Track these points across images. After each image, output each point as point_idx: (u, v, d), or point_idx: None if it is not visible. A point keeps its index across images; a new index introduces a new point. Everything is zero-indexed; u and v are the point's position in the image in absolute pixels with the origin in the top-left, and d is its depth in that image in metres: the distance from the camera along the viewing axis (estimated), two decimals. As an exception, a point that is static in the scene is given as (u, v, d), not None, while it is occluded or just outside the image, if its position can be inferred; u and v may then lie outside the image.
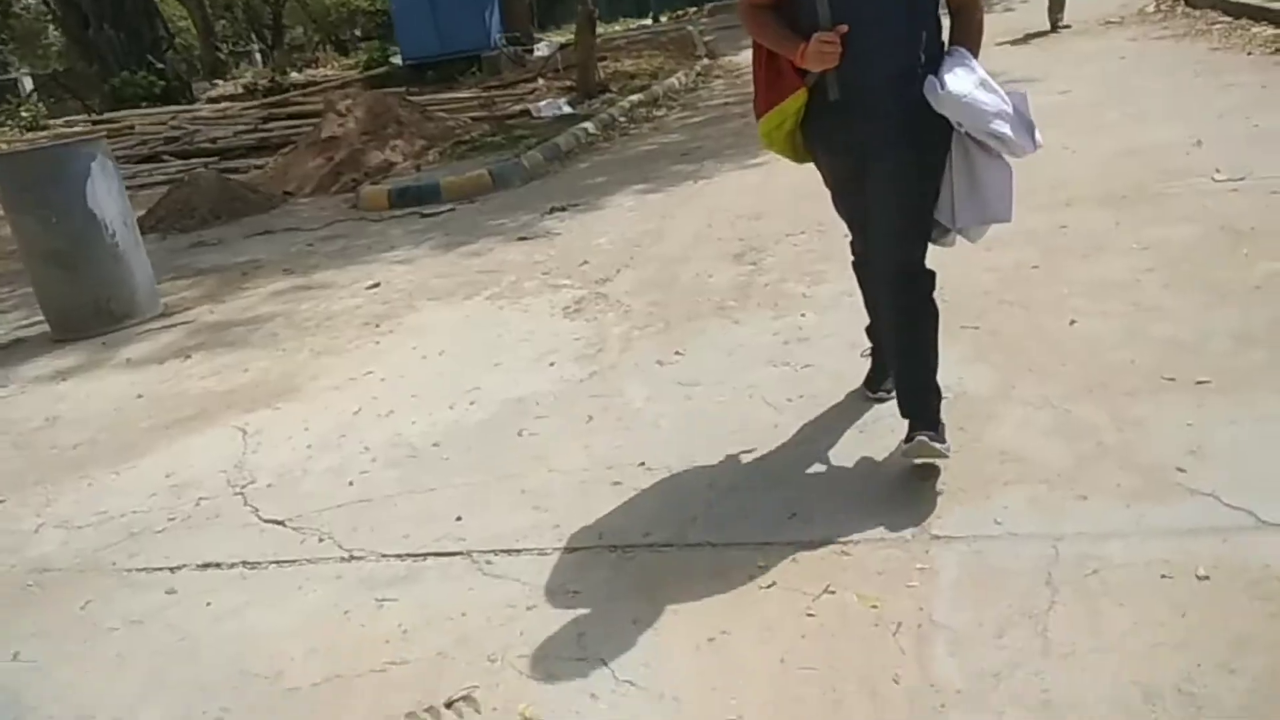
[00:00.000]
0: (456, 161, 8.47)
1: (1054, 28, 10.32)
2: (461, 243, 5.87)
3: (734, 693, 1.83)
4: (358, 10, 30.14)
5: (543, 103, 10.86)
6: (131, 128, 13.88)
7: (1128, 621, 1.84)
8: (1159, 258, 3.65)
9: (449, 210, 7.00)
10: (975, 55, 2.34)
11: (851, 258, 2.79)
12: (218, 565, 2.62)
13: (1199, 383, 2.68)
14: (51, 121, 17.85)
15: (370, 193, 7.71)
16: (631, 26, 22.84)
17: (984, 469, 2.43)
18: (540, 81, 13.18)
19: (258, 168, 10.39)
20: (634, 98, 10.67)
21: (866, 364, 2.96)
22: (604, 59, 13.05)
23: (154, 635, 2.36)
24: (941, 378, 2.49)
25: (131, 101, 15.71)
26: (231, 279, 5.97)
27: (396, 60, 16.93)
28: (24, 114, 18.05)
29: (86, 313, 5.12)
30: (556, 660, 2.00)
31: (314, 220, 7.52)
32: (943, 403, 2.47)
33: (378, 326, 4.50)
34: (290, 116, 12.80)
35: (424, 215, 6.93)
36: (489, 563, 2.40)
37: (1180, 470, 2.29)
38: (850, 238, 2.73)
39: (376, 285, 5.21)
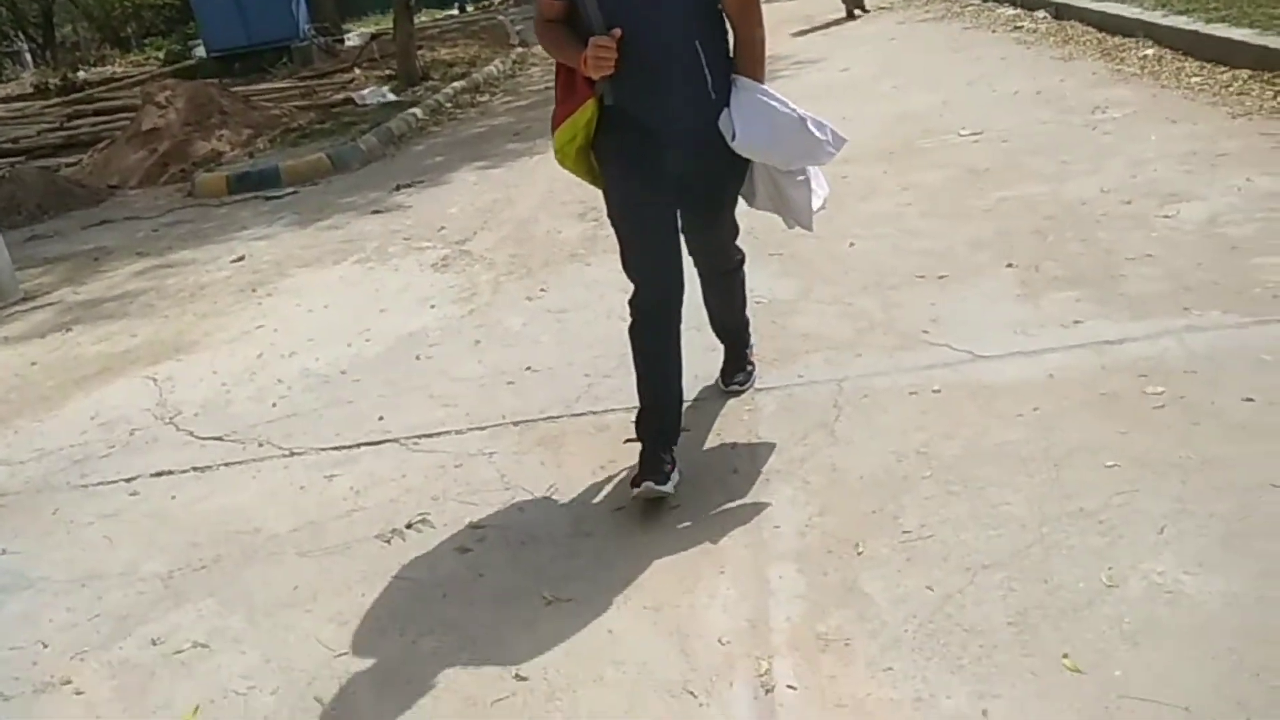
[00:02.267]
0: (289, 148, 8.71)
1: (850, 14, 11.45)
2: (315, 219, 6.27)
3: (623, 494, 2.52)
4: (142, 5, 28.67)
5: (366, 90, 11.14)
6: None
7: (887, 421, 2.66)
8: (917, 195, 4.61)
9: (292, 193, 7.32)
10: (760, 77, 2.39)
11: (629, 319, 2.50)
12: (170, 472, 3.08)
13: (940, 277, 3.58)
14: None
15: (207, 180, 7.88)
16: (439, 16, 23.00)
17: (790, 345, 3.22)
18: (357, 71, 13.37)
19: (70, 165, 10.15)
20: (457, 84, 11.12)
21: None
22: (420, 48, 13.37)
23: (132, 521, 2.82)
24: (755, 290, 3.22)
25: (-94, 102, 14.67)
26: (84, 264, 6.13)
27: (200, 53, 16.53)
28: None
29: (-52, 299, 5.22)
30: (486, 492, 2.63)
31: (151, 209, 7.63)
32: (751, 314, 3.02)
33: (254, 291, 4.90)
34: (97, 113, 12.45)
35: (268, 199, 7.22)
36: (415, 444, 2.99)
37: (925, 332, 3.15)
38: (631, 293, 2.48)
39: (241, 259, 5.56)
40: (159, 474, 3.08)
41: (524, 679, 1.93)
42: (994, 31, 8.89)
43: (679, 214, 2.49)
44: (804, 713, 1.72)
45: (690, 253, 2.64)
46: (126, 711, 2.04)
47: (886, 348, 3.09)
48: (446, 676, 1.97)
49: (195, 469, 3.07)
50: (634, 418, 2.57)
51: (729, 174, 2.49)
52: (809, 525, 2.25)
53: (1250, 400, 2.41)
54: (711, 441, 2.70)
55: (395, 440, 3.03)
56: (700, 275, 2.74)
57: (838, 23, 11.30)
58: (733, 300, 2.86)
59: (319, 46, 14.82)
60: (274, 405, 3.45)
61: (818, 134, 2.39)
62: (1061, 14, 8.63)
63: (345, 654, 2.09)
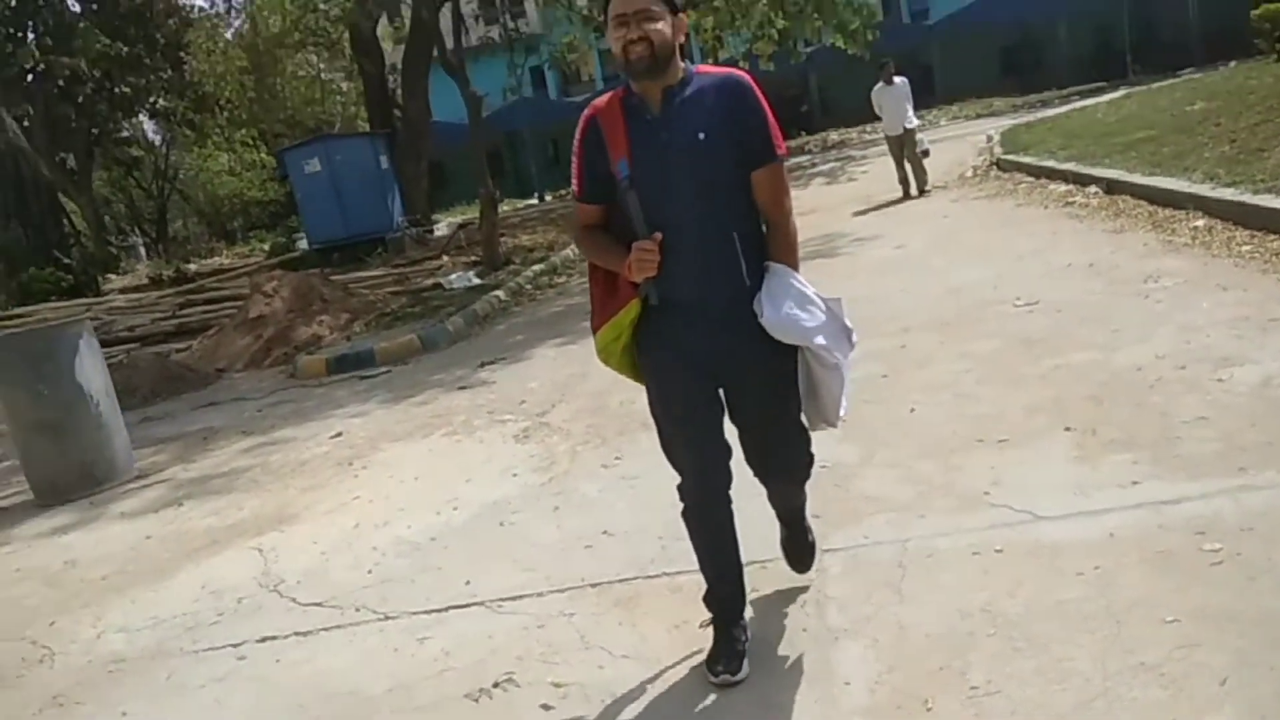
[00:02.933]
0: (383, 331, 9.35)
1: (907, 194, 11.99)
2: (407, 396, 6.70)
3: (698, 641, 2.65)
4: (250, 202, 31.35)
5: (453, 275, 11.94)
6: (45, 320, 14.26)
7: (951, 580, 2.77)
8: (974, 363, 4.80)
9: (385, 372, 7.83)
10: (794, 264, 2.45)
11: (681, 504, 2.61)
12: (274, 637, 3.30)
13: (999, 441, 3.73)
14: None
15: (308, 362, 8.48)
16: (520, 205, 24.58)
17: (854, 508, 3.37)
18: (445, 258, 14.34)
19: (180, 350, 10.99)
20: (536, 268, 11.86)
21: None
22: (503, 235, 14.33)
23: (239, 685, 3.02)
24: (819, 455, 3.36)
25: (40, 296, 16.11)
26: (194, 443, 6.60)
27: (303, 245, 17.90)
28: (-83, 314, 18.06)
29: (73, 477, 5.68)
30: (567, 651, 2.79)
31: (256, 391, 8.21)
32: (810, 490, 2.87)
33: (351, 465, 5.25)
34: (207, 302, 13.52)
35: (363, 378, 7.74)
36: (500, 607, 3.18)
37: (985, 493, 3.28)
38: (680, 480, 2.58)
39: (339, 435, 5.96)
40: (264, 639, 3.30)
41: (607, 828, 2.04)
42: (1046, 208, 9.25)
43: (731, 417, 2.52)
44: None
45: (756, 464, 2.62)
46: None
47: (948, 509, 3.22)
48: (534, 826, 2.09)
49: (297, 634, 3.29)
50: (702, 594, 2.65)
51: (771, 361, 2.44)
52: (878, 682, 2.35)
53: (1307, 556, 2.48)
54: (781, 601, 2.84)
55: (482, 604, 3.22)
56: (771, 493, 2.73)
57: (895, 202, 11.85)
58: (798, 497, 2.80)
59: (411, 237, 15.97)
60: (369, 572, 3.68)
61: (845, 320, 2.46)
62: (1113, 189, 8.98)
63: (439, 804, 2.22)
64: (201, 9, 25.27)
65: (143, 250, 34.96)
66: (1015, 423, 3.89)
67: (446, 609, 3.24)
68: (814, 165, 19.54)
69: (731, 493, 2.58)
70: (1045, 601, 2.54)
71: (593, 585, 3.18)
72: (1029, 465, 3.45)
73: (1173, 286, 5.43)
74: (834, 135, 28.02)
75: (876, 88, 12.28)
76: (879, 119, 12.68)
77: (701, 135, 2.33)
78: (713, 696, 2.44)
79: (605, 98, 2.46)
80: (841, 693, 2.34)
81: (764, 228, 2.49)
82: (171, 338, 12.20)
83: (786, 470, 2.67)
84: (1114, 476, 3.20)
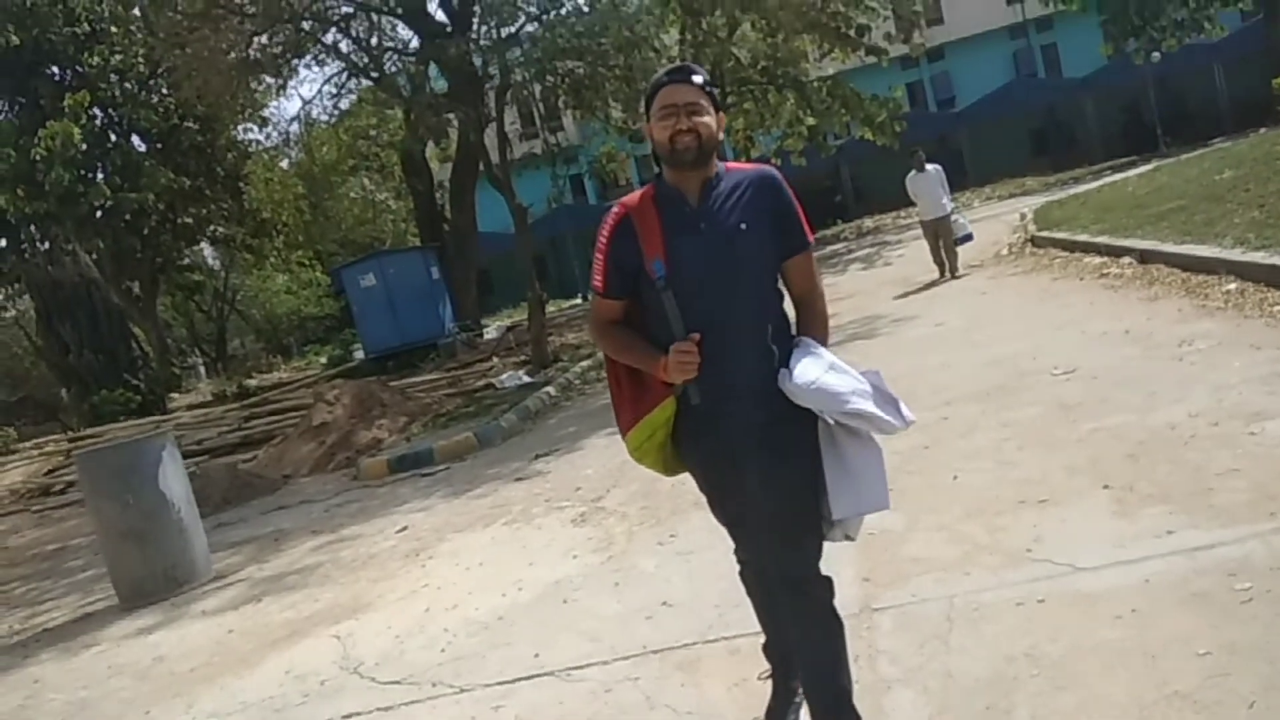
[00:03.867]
0: (440, 430, 9.69)
1: (944, 274, 12.23)
2: (466, 490, 6.96)
3: (759, 701, 2.80)
4: (306, 318, 32.52)
5: (504, 375, 12.33)
6: (116, 439, 14.90)
7: (996, 630, 2.91)
8: (1014, 430, 4.95)
9: (444, 469, 8.12)
10: (824, 343, 2.41)
11: (738, 566, 2.72)
12: (358, 714, 3.50)
13: (1040, 501, 3.87)
14: (20, 445, 18.77)
15: (371, 464, 8.82)
16: (564, 306, 25.21)
17: (902, 569, 3.53)
18: (495, 359, 14.80)
19: (246, 461, 11.42)
20: (584, 364, 12.21)
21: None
22: (550, 335, 14.78)
23: (329, 757, 3.22)
24: (870, 523, 3.56)
25: (110, 417, 16.79)
26: (266, 544, 6.90)
27: (359, 354, 18.55)
28: (-8, 442, 18.90)
29: (156, 581, 5.98)
30: (635, 712, 2.96)
31: (321, 493, 8.54)
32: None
33: (417, 556, 5.48)
34: (270, 413, 14.03)
35: (424, 475, 8.04)
36: (568, 675, 3.36)
37: (1028, 550, 3.42)
38: (735, 547, 2.65)
39: (404, 529, 6.22)
40: (348, 716, 3.51)
41: None
42: (1082, 279, 9.41)
43: (751, 505, 2.40)
44: None
45: (764, 564, 2.48)
46: None
47: (993, 566, 3.37)
48: None
49: (379, 709, 3.49)
50: (761, 644, 2.76)
51: (802, 451, 2.34)
52: (927, 722, 2.50)
53: (1334, 589, 2.60)
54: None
55: (551, 673, 3.40)
56: (788, 613, 2.44)
57: (932, 284, 12.07)
58: (829, 652, 2.38)
59: (461, 341, 16.51)
60: (443, 650, 3.89)
61: (889, 389, 2.32)
62: (1146, 258, 9.13)
63: None
64: (259, 143, 26.66)
65: (202, 369, 36.28)
66: (1055, 484, 4.03)
67: (517, 680, 3.42)
68: (849, 252, 19.91)
69: None
70: (1085, 644, 2.68)
71: (655, 652, 3.35)
72: (1069, 522, 3.59)
73: (1206, 348, 5.56)
74: (868, 222, 28.46)
75: (910, 175, 12.67)
76: (914, 204, 13.04)
77: (743, 225, 2.34)
78: None
79: (635, 194, 2.46)
80: (895, 735, 2.48)
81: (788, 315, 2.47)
82: (238, 449, 12.68)
83: (791, 563, 2.36)
84: (1150, 528, 3.33)
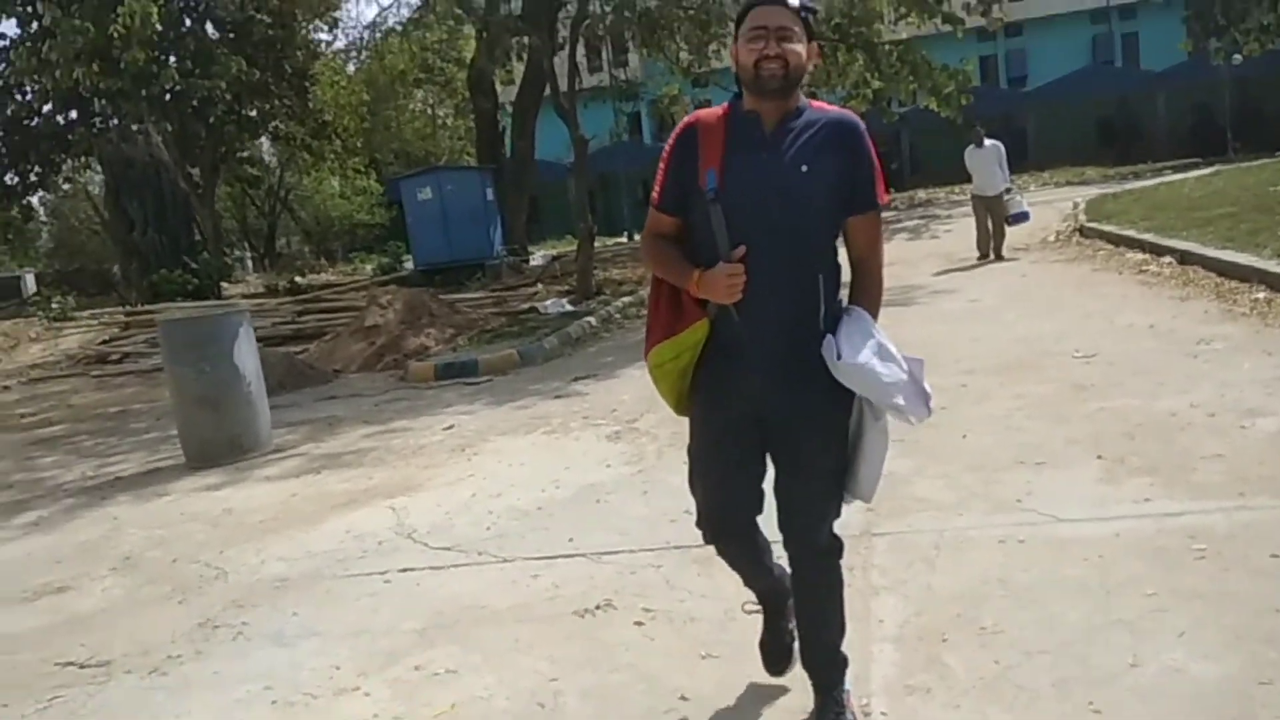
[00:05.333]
0: (485, 345, 10.18)
1: (984, 257, 12.37)
2: (509, 400, 7.45)
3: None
4: (358, 224, 33.12)
5: (548, 302, 12.77)
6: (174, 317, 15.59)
7: (976, 558, 3.33)
8: (1026, 402, 5.32)
9: (487, 381, 8.61)
10: (875, 315, 2.33)
11: (700, 534, 2.56)
12: (412, 569, 4.00)
13: (1037, 463, 4.27)
14: (78, 313, 19.56)
15: (418, 368, 9.33)
16: (609, 243, 25.56)
17: (903, 505, 3.95)
18: (539, 285, 15.25)
19: (299, 353, 12.01)
20: (625, 299, 12.62)
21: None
22: (595, 268, 15.18)
23: (387, 598, 3.73)
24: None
25: (168, 296, 17.49)
26: (321, 428, 7.45)
27: (409, 265, 19.07)
28: (54, 306, 19.70)
29: (224, 446, 6.54)
30: (655, 589, 3.43)
31: (371, 390, 9.08)
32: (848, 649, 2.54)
33: (463, 451, 5.98)
34: (322, 311, 14.62)
35: (468, 384, 8.54)
36: (598, 558, 3.83)
37: (1018, 501, 3.83)
38: (695, 515, 2.53)
39: (451, 427, 6.72)
40: (404, 570, 4.01)
41: (686, 699, 2.67)
42: (1121, 274, 9.66)
43: (772, 460, 2.38)
44: (890, 729, 2.39)
45: (780, 516, 2.41)
46: (403, 707, 2.86)
47: (983, 510, 3.79)
48: (631, 695, 2.72)
49: (432, 567, 3.99)
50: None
51: (830, 416, 2.31)
52: (906, 622, 2.94)
53: (1276, 556, 2.99)
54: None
55: (583, 555, 3.88)
56: (790, 558, 2.44)
57: (975, 265, 12.28)
58: (827, 610, 2.46)
59: (508, 264, 16.96)
60: (488, 529, 4.38)
61: (924, 384, 2.29)
62: (1185, 260, 9.35)
63: (557, 679, 2.88)
64: (329, 43, 27.01)
65: (250, 263, 37.15)
66: (1054, 450, 4.42)
67: (554, 557, 3.91)
68: (899, 221, 20.03)
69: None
70: (1052, 576, 3.10)
71: (676, 547, 3.81)
72: (1059, 482, 3.99)
73: (1222, 349, 5.87)
74: (922, 194, 28.42)
75: (968, 149, 12.80)
76: (969, 180, 13.19)
77: (805, 168, 2.22)
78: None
79: (710, 110, 2.37)
80: (876, 628, 2.93)
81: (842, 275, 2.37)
82: (289, 341, 13.27)
83: (809, 533, 2.39)
84: (1130, 494, 3.73)
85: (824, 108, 2.34)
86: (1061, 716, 2.33)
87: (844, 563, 2.50)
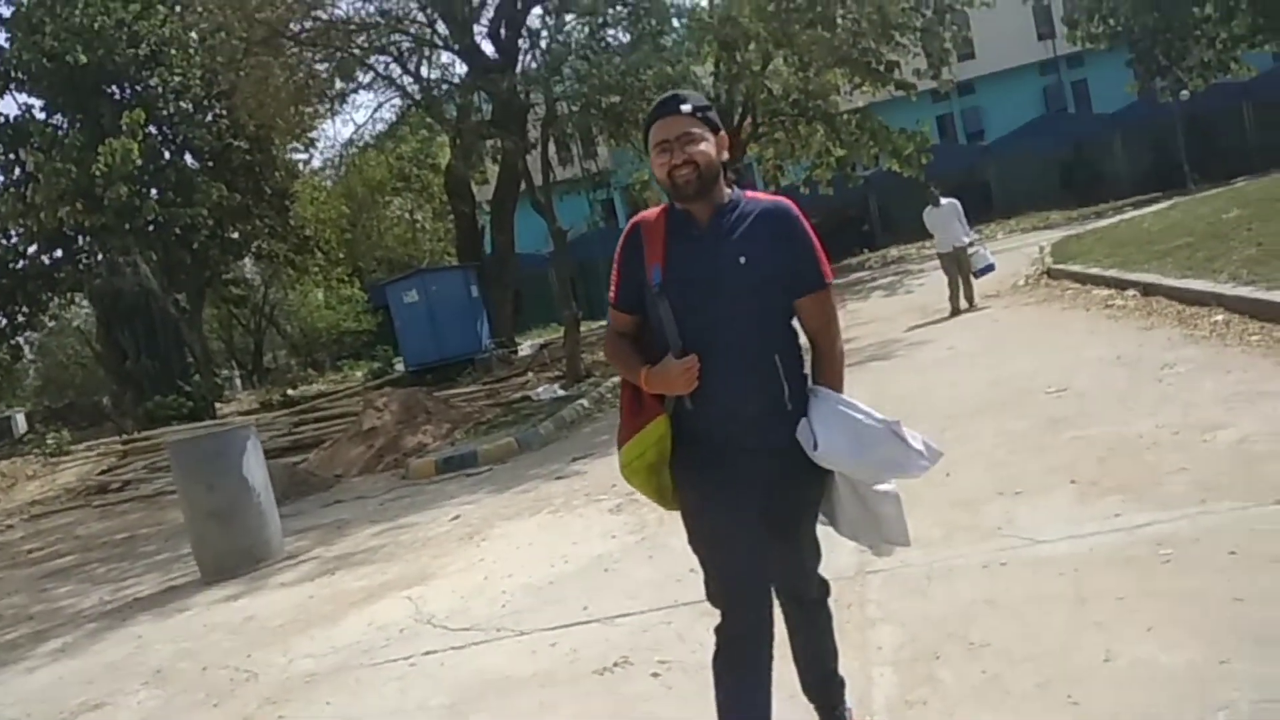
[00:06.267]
0: (482, 437, 10.42)
1: (955, 311, 12.65)
2: (511, 486, 7.67)
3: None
4: (345, 331, 33.55)
5: (540, 389, 13.06)
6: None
7: (964, 584, 3.56)
8: (1005, 439, 5.59)
9: (488, 470, 8.84)
10: (839, 388, 2.37)
11: (714, 644, 2.51)
12: (435, 651, 4.19)
13: (1016, 493, 4.52)
14: (74, 448, 19.71)
15: (419, 465, 9.55)
16: (593, 326, 25.98)
17: (894, 545, 4.17)
18: (530, 374, 15.55)
19: (297, 462, 12.21)
20: (615, 379, 12.91)
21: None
22: (582, 351, 15.52)
23: (416, 680, 3.91)
24: None
25: (163, 421, 17.68)
26: (330, 531, 7.63)
27: (399, 367, 19.38)
28: (49, 442, 19.86)
29: (238, 557, 6.72)
30: (669, 643, 3.63)
31: (373, 491, 9.28)
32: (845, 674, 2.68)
33: (472, 539, 6.19)
34: (318, 420, 14.86)
35: (469, 475, 8.76)
36: (612, 621, 4.04)
37: (999, 529, 4.07)
38: (719, 621, 2.48)
39: (457, 517, 6.93)
40: (428, 653, 4.20)
41: (704, 737, 2.87)
42: (1088, 310, 10.02)
43: (761, 538, 2.38)
44: (892, 742, 2.60)
45: (779, 590, 2.48)
46: (438, 772, 3.05)
47: (969, 541, 4.02)
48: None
49: (453, 648, 4.18)
50: None
51: (808, 486, 2.39)
52: (901, 646, 3.16)
53: (1234, 553, 3.23)
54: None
55: (598, 620, 4.09)
56: (782, 607, 2.53)
57: (949, 317, 12.62)
58: (821, 644, 2.60)
59: (497, 357, 17.28)
60: (503, 606, 4.58)
61: (910, 441, 2.32)
62: (1149, 291, 9.72)
63: (582, 732, 3.07)
64: (306, 163, 27.85)
65: (238, 381, 37.46)
66: (1032, 480, 4.67)
67: (570, 625, 4.11)
68: (874, 280, 20.54)
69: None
70: (1033, 592, 3.33)
71: (684, 604, 4.01)
72: (1037, 508, 4.24)
73: (1185, 371, 6.17)
74: (894, 251, 29.04)
75: (926, 210, 13.25)
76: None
77: (743, 259, 2.29)
78: (777, 661, 3.25)
79: (653, 210, 2.45)
80: (875, 653, 3.15)
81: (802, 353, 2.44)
82: (288, 452, 13.47)
83: (795, 586, 2.50)
84: (1103, 511, 3.97)
85: (757, 197, 2.41)
86: (1044, 711, 2.55)
87: (842, 599, 2.74)
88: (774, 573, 2.44)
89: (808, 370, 2.43)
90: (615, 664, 3.54)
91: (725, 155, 2.36)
